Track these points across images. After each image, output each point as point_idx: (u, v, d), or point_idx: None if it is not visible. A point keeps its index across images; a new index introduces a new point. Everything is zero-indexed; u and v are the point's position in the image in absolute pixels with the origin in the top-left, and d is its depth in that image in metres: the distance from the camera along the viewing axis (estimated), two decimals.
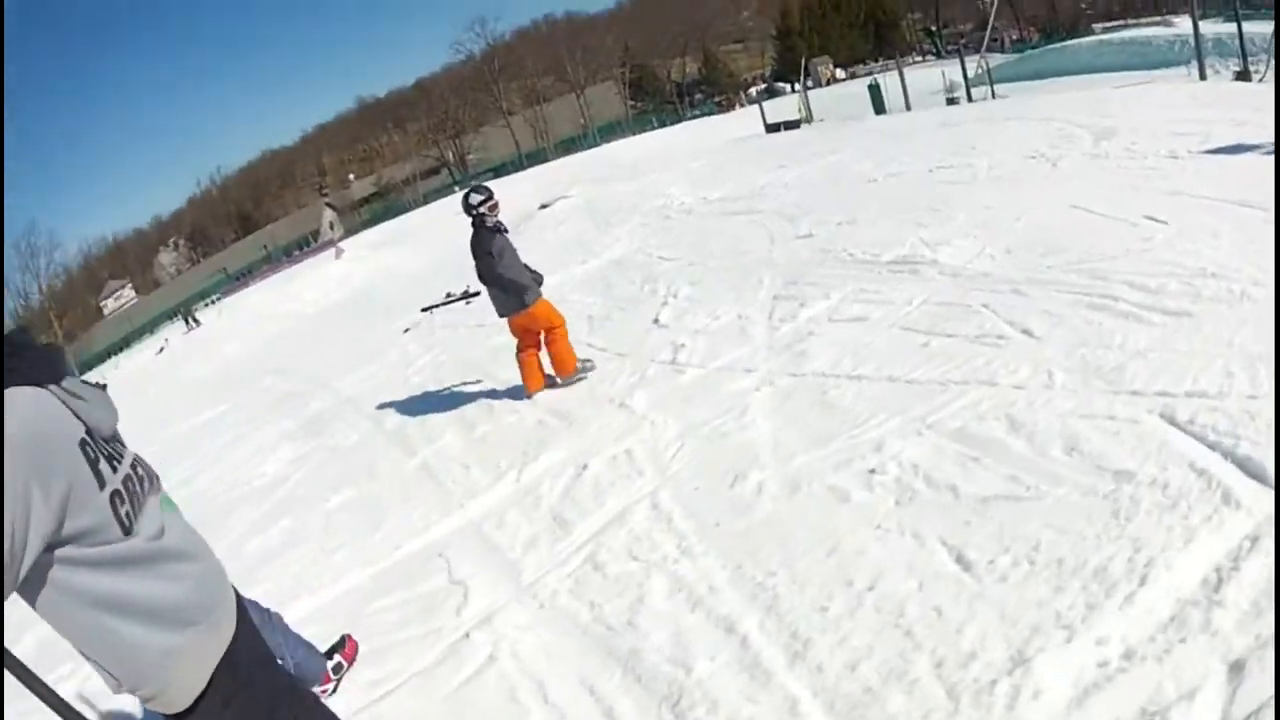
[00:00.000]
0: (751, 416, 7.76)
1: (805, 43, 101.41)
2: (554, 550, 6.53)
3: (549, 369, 10.50)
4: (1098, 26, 63.46)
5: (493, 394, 11.21)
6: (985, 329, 7.97)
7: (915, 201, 13.94)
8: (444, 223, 43.72)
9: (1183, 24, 36.82)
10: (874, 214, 14.04)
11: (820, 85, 78.31)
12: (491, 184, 11.58)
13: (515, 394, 10.66)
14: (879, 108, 38.61)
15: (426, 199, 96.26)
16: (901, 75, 37.81)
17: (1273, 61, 24.87)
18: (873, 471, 6.10)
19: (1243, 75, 25.31)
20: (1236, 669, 3.66)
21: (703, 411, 8.24)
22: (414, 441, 10.44)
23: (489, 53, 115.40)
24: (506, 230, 10.07)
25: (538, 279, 10.25)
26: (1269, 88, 21.74)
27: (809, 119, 42.00)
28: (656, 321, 11.96)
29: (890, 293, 9.76)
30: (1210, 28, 31.36)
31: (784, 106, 49.47)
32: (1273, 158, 11.06)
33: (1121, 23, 59.50)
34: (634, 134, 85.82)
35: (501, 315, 10.23)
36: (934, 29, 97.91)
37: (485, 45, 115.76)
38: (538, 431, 9.23)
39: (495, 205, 9.92)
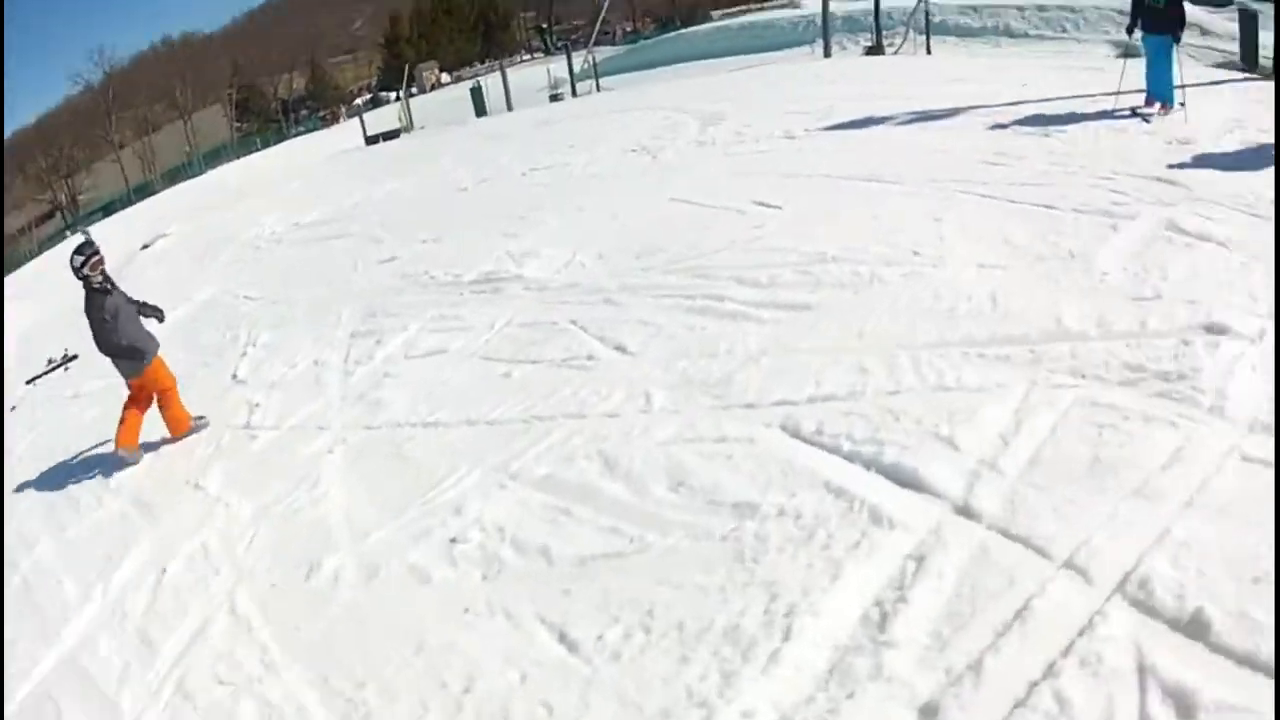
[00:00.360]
0: (325, 487, 7.27)
1: (414, 49, 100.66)
2: (145, 680, 5.81)
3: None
4: (717, 13, 65.16)
5: (82, 479, 10.09)
6: (573, 350, 7.68)
7: (506, 209, 13.66)
8: (57, 272, 41.06)
9: (811, 4, 38.05)
10: (462, 227, 13.70)
11: (425, 91, 78.20)
12: (100, 225, 10.68)
13: (106, 469, 9.68)
14: (480, 110, 38.89)
15: (41, 248, 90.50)
16: (504, 75, 38.20)
17: (913, 34, 26.14)
18: (454, 541, 5.72)
19: (875, 49, 26.42)
20: (929, 713, 3.45)
21: (276, 485, 7.66)
22: (14, 553, 9.25)
23: (105, 82, 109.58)
24: (113, 287, 9.33)
25: (159, 315, 9.76)
26: (907, 59, 22.71)
27: (409, 127, 41.71)
28: (235, 376, 11.22)
29: (471, 317, 9.42)
30: (841, 6, 32.61)
31: (387, 116, 49.13)
32: (904, 130, 11.26)
33: (744, 8, 61.21)
34: (238, 157, 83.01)
35: (125, 377, 9.47)
36: (544, 26, 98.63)
37: (103, 74, 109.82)
38: (120, 528, 8.32)
39: (98, 261, 9.21)
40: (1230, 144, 11.05)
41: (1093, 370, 5.50)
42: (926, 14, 27.16)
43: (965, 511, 4.42)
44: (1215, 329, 6.01)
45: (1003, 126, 11.32)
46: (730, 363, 6.50)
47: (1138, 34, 13.02)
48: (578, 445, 6.14)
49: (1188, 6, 13.15)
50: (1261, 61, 22.09)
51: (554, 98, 35.26)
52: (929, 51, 25.86)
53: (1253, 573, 3.86)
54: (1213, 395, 5.21)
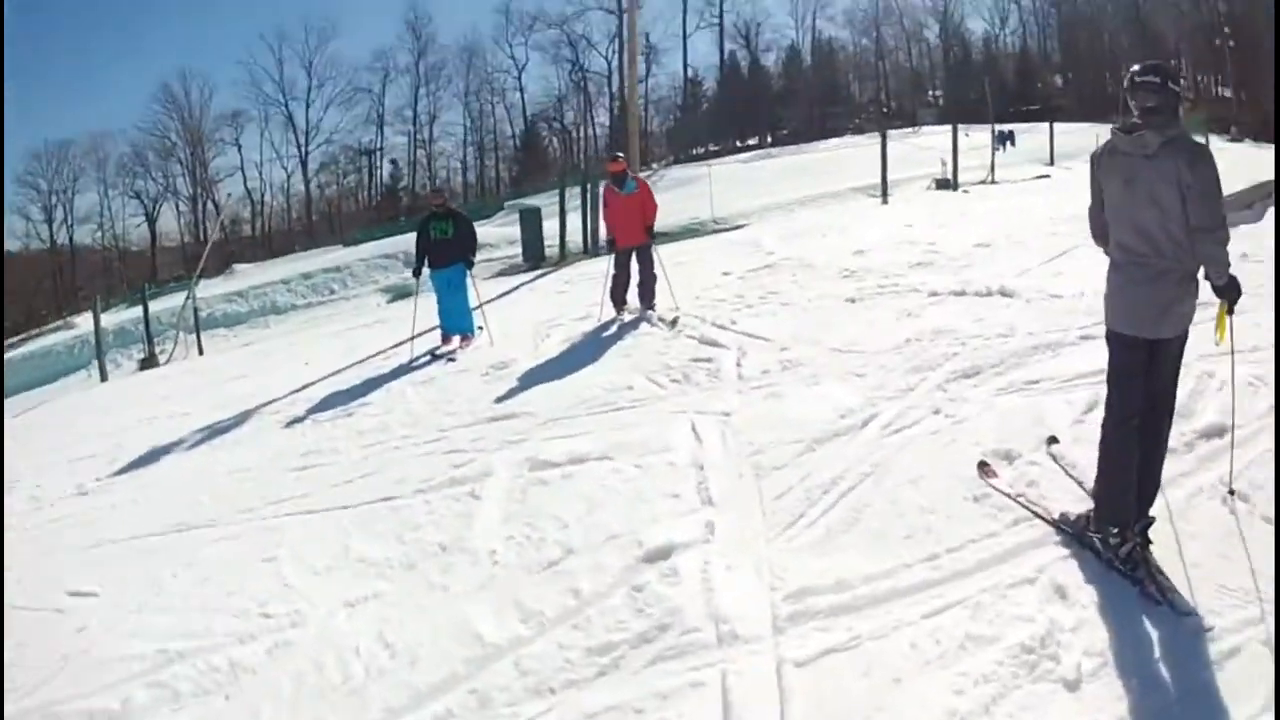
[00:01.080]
0: None
1: None
2: None
3: None
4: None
5: None
6: None
7: None
8: None
9: (85, 322, 35.39)
10: None
11: None
12: None
13: None
14: None
15: None
16: None
17: (184, 336, 24.79)
18: None
19: (149, 362, 24.81)
20: None
21: None
22: None
23: None
24: None
25: None
26: (181, 366, 21.57)
27: None
28: None
29: None
30: (113, 318, 30.59)
31: None
32: (197, 454, 10.23)
33: (23, 335, 56.76)
34: None
35: None
36: None
37: None
38: None
39: None
40: (552, 347, 10.76)
41: (557, 678, 4.53)
42: (195, 310, 26.12)
43: None
44: (657, 555, 5.35)
45: (300, 420, 10.20)
46: None
47: (426, 272, 12.59)
48: None
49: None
50: (547, 254, 23.02)
51: None
52: (201, 351, 24.93)
53: None
54: (710, 624, 4.61)
